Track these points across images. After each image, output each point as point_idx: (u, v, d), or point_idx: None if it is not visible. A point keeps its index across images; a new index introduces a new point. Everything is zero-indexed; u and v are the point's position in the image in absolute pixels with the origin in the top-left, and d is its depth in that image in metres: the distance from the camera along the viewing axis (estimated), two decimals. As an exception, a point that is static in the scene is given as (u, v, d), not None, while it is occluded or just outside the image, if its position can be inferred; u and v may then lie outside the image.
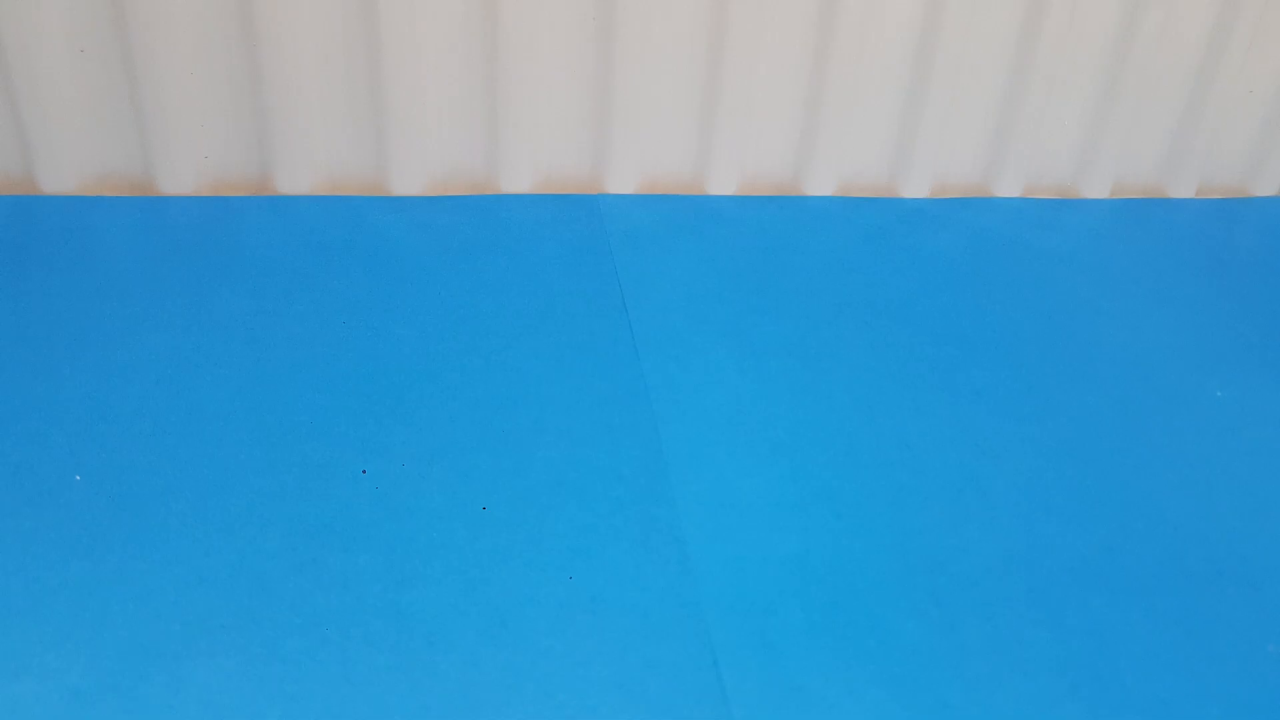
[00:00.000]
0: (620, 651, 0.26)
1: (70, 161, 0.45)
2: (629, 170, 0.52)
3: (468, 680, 0.25)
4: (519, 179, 0.50)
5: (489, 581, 0.28)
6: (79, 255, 0.41)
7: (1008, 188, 0.57)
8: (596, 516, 0.31)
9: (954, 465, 0.34)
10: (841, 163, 0.55)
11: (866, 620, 0.27)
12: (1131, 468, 0.35)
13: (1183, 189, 0.60)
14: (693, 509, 0.31)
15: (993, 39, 0.53)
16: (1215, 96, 0.57)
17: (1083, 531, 0.31)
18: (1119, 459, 0.35)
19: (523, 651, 0.26)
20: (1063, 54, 0.54)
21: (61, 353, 0.35)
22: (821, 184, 0.55)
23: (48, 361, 0.34)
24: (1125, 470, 0.35)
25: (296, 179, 0.47)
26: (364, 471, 0.32)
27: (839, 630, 0.27)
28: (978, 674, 0.26)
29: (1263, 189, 0.61)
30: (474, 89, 0.48)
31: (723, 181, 0.54)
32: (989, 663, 0.26)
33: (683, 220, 0.50)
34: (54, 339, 0.36)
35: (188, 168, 0.46)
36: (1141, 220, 0.55)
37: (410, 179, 0.49)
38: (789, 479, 0.33)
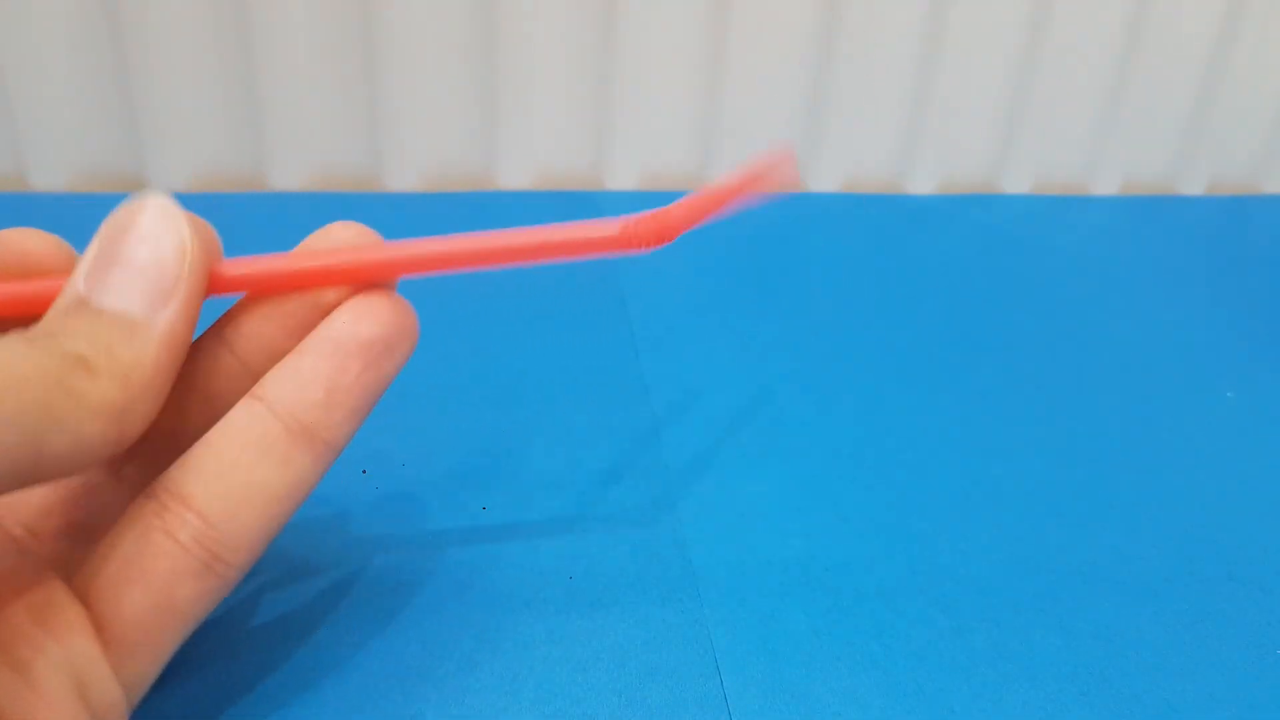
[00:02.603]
0: (620, 657, 0.25)
1: (61, 158, 0.45)
2: (630, 166, 0.52)
3: (464, 685, 0.24)
4: (517, 175, 0.50)
5: (487, 583, 0.28)
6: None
7: (1016, 184, 0.56)
8: (597, 518, 0.31)
9: (960, 467, 0.34)
10: (846, 159, 0.55)
11: (871, 626, 0.27)
12: (1141, 469, 0.34)
13: (1193, 186, 0.59)
14: (694, 511, 0.31)
15: (1000, 33, 0.53)
16: (1225, 92, 0.57)
17: (1092, 535, 0.31)
18: (1128, 460, 0.35)
19: (520, 656, 0.25)
20: (1071, 48, 0.54)
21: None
22: (826, 180, 0.55)
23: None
24: (1135, 472, 0.34)
25: (290, 175, 0.47)
26: (364, 472, 0.31)
27: (843, 636, 0.26)
28: (985, 680, 0.25)
29: (1274, 186, 0.60)
30: (471, 83, 0.48)
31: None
32: (996, 669, 0.26)
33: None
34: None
35: (180, 164, 0.46)
36: (1151, 217, 0.55)
37: (405, 175, 0.48)
38: (792, 481, 0.32)
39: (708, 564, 0.28)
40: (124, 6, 0.42)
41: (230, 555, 0.19)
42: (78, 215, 0.46)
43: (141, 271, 0.18)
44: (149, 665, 0.19)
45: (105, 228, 0.19)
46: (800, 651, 0.26)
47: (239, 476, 0.19)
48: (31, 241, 0.21)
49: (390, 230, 0.23)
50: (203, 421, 0.20)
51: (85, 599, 0.19)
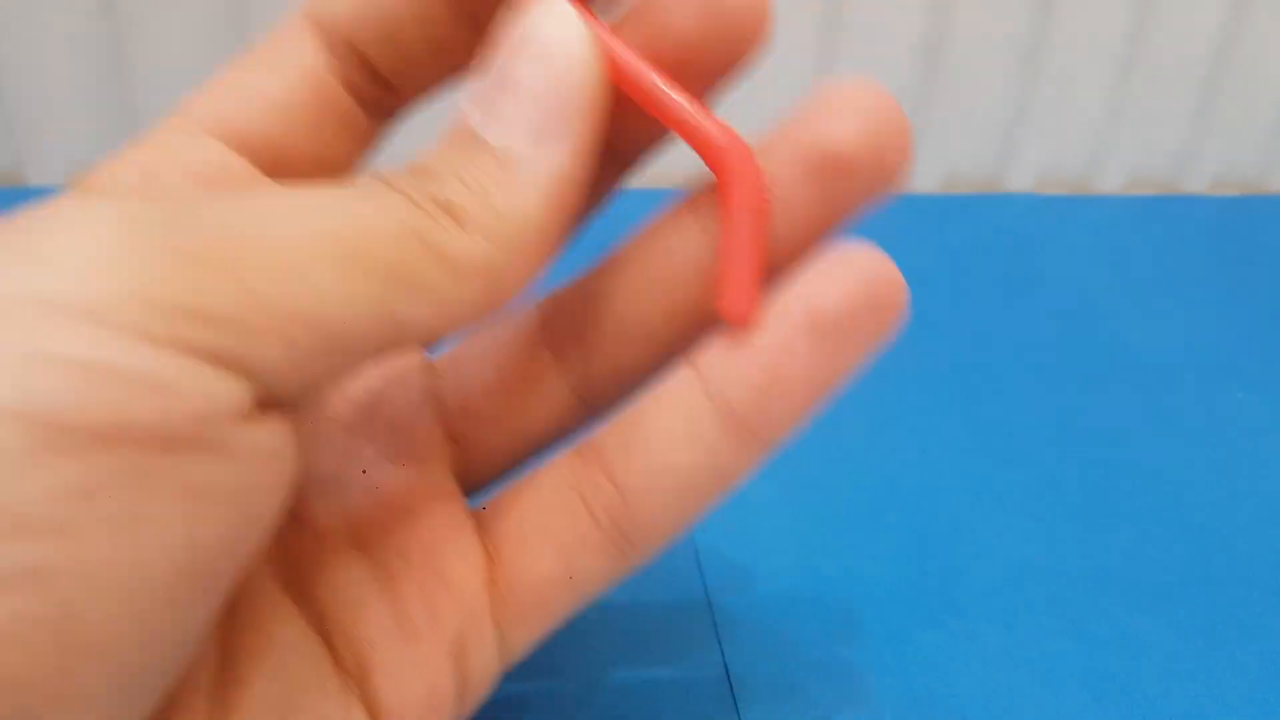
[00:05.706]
0: (627, 659, 0.25)
1: (58, 153, 0.45)
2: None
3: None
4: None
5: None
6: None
7: (1019, 182, 0.56)
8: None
9: (969, 469, 0.33)
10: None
11: (882, 631, 0.27)
12: (1151, 471, 0.34)
13: (1198, 184, 0.59)
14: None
15: (1003, 29, 0.53)
16: (1231, 89, 0.56)
17: (1104, 537, 0.30)
18: (1138, 462, 0.34)
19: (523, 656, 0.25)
20: (1075, 44, 0.53)
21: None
22: (829, 180, 0.54)
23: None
24: (1145, 474, 0.34)
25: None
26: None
27: (853, 641, 0.26)
28: (997, 685, 0.25)
29: (1279, 184, 0.60)
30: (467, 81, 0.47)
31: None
32: (1009, 674, 0.25)
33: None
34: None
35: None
36: (1156, 216, 0.54)
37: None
38: (798, 484, 0.32)
39: (717, 569, 0.28)
40: (122, 2, 0.41)
41: (636, 536, 0.16)
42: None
43: (535, 99, 0.14)
44: (527, 639, 0.16)
45: (506, 39, 0.15)
46: (810, 657, 0.25)
47: (658, 456, 0.16)
48: None
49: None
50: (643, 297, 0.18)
51: (485, 540, 0.16)
